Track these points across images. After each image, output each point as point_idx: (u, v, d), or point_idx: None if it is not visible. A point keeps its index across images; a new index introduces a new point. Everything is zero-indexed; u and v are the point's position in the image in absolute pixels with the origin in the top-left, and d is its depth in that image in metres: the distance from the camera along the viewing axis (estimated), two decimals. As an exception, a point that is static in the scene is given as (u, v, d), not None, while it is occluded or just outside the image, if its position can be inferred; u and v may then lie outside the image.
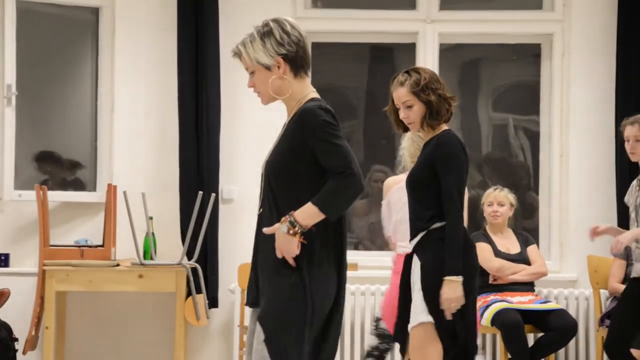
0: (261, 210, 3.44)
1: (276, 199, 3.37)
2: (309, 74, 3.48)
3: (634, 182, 5.38)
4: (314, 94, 3.45)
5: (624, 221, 5.79)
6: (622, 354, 5.30)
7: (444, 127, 4.14)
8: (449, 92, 4.17)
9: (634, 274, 5.31)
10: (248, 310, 6.23)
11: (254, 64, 3.41)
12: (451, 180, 4.00)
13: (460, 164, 4.04)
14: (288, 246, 3.29)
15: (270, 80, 3.40)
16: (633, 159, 5.34)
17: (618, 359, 5.32)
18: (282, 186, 3.36)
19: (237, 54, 3.45)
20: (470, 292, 4.02)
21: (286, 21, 3.42)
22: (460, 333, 4.01)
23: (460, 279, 3.94)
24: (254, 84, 3.45)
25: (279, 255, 3.32)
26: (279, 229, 3.29)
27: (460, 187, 4.04)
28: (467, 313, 4.02)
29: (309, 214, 3.28)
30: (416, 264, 4.09)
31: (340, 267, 3.42)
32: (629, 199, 5.40)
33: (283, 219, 3.29)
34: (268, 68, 3.39)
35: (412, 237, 4.13)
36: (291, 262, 3.31)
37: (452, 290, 3.94)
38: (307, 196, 3.31)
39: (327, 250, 3.38)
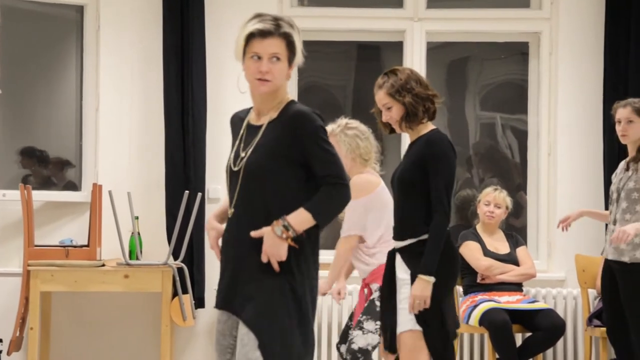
0: (233, 210, 3.37)
1: (260, 199, 3.31)
2: None
3: (622, 164, 5.37)
4: (290, 95, 3.42)
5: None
6: (622, 337, 5.34)
7: (430, 126, 4.16)
8: (431, 89, 4.18)
9: (605, 254, 5.35)
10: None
11: (290, 53, 3.31)
12: (441, 181, 4.02)
13: (451, 164, 4.06)
14: (278, 250, 3.25)
15: (285, 75, 3.34)
16: (624, 141, 5.36)
17: (619, 341, 5.37)
18: (267, 186, 3.31)
19: (286, 34, 3.29)
20: (446, 296, 4.07)
21: None
22: (443, 339, 4.05)
23: (432, 279, 3.98)
24: (270, 70, 3.30)
25: (264, 259, 3.27)
26: (272, 231, 3.25)
27: (449, 188, 4.05)
28: (447, 320, 4.06)
29: (302, 220, 3.26)
30: (401, 267, 4.11)
31: (317, 260, 3.43)
32: (614, 179, 5.42)
33: (275, 222, 3.25)
34: (290, 62, 3.34)
35: (399, 237, 4.13)
36: (276, 266, 3.27)
37: (422, 288, 3.98)
38: (292, 197, 3.28)
39: (313, 254, 3.38)
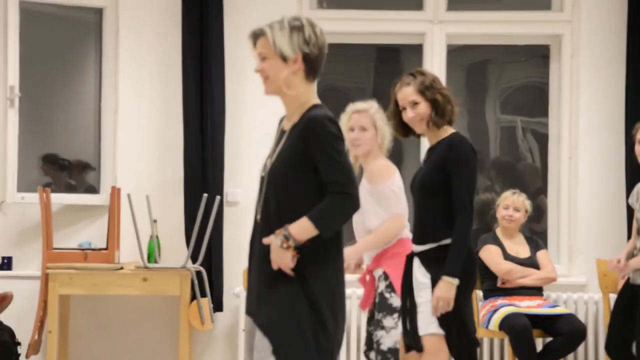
0: (259, 216, 3.39)
1: (276, 206, 3.32)
2: (316, 78, 3.45)
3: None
4: (317, 100, 3.42)
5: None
6: (621, 354, 5.35)
7: (451, 129, 4.16)
8: (452, 94, 4.22)
9: (632, 281, 5.33)
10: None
11: (273, 50, 3.35)
12: (464, 184, 4.03)
13: (473, 167, 4.06)
14: (282, 259, 3.26)
15: (284, 73, 3.35)
16: None
17: (620, 354, 5.37)
18: (283, 194, 3.32)
19: (258, 34, 3.38)
20: (466, 300, 4.08)
21: (317, 25, 3.43)
22: (465, 344, 4.06)
23: (456, 281, 3.99)
24: (262, 69, 3.38)
25: (275, 267, 3.29)
26: (273, 241, 3.27)
27: (472, 191, 4.05)
28: (468, 323, 4.07)
29: (304, 229, 3.25)
30: (420, 270, 4.11)
31: (340, 267, 3.40)
32: (633, 201, 5.39)
33: (277, 231, 3.27)
34: (285, 59, 3.35)
35: (419, 241, 4.12)
36: (289, 272, 3.28)
37: (447, 290, 3.99)
38: (307, 205, 3.28)
39: (335, 261, 3.36)
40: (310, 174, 3.29)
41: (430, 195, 4.10)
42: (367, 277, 4.89)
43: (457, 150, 4.06)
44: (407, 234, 4.78)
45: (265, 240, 3.30)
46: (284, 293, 3.28)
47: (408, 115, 4.17)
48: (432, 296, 4.04)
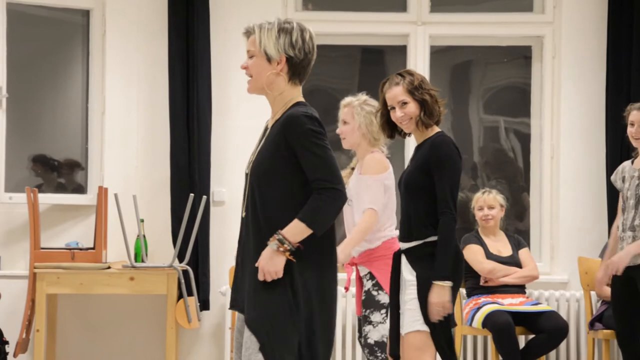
0: (244, 213, 3.43)
1: (261, 201, 3.35)
2: (302, 82, 3.49)
3: (628, 167, 5.35)
4: (300, 98, 3.46)
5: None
6: (633, 345, 5.34)
7: (436, 129, 4.19)
8: (439, 95, 4.25)
9: (632, 262, 5.31)
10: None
11: (259, 50, 3.40)
12: (446, 184, 4.04)
13: (456, 167, 4.08)
14: (275, 266, 3.28)
15: (267, 73, 3.40)
16: (636, 144, 5.32)
17: (630, 350, 5.36)
18: (266, 189, 3.35)
19: (249, 32, 3.44)
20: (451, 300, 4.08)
21: (307, 30, 3.45)
22: (449, 338, 4.07)
23: (449, 284, 3.99)
24: (247, 67, 3.44)
25: (261, 277, 3.30)
26: (269, 247, 3.29)
27: (455, 190, 4.07)
28: (450, 319, 4.07)
29: (297, 231, 3.29)
30: (406, 267, 4.13)
31: (331, 265, 3.42)
32: (616, 179, 5.38)
33: (271, 238, 3.29)
34: (269, 60, 3.40)
35: (405, 239, 4.15)
36: (278, 276, 3.30)
37: (441, 295, 3.98)
38: (290, 199, 3.31)
39: (324, 258, 3.39)
40: (292, 168, 3.32)
41: (415, 193, 4.11)
42: (354, 269, 4.92)
43: (440, 150, 4.08)
44: (393, 233, 4.82)
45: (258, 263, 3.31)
46: (270, 290, 3.30)
47: (397, 114, 4.18)
48: (416, 295, 4.06)
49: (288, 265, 3.31)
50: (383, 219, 4.81)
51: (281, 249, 3.27)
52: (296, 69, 3.42)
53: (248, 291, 3.36)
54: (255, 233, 3.36)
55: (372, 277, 4.76)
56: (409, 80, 4.17)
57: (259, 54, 3.40)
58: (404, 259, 4.15)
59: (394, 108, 4.18)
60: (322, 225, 3.32)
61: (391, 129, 4.28)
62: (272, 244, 3.28)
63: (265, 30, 3.40)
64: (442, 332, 4.04)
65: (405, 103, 4.15)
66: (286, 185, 3.34)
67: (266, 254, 3.29)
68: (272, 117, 3.50)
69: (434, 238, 4.06)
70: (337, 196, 3.31)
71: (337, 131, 4.96)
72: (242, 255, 3.46)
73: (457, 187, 4.10)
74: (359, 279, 4.90)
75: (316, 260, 3.37)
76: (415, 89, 4.14)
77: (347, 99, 4.98)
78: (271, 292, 3.30)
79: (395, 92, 4.17)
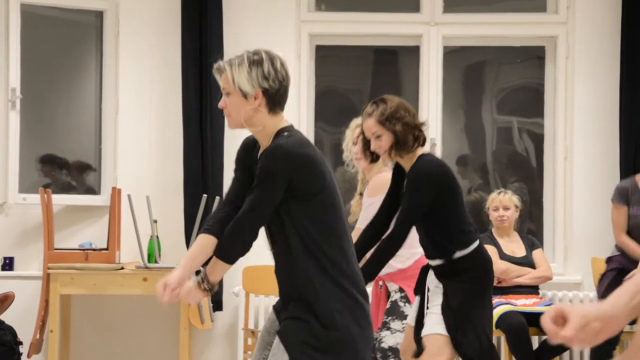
0: (274, 250, 3.39)
1: (274, 231, 3.34)
2: (284, 108, 3.40)
3: None
4: (283, 124, 3.37)
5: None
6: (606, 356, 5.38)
7: (420, 151, 4.14)
8: (417, 118, 4.17)
9: None
10: (253, 313, 6.24)
11: (234, 87, 3.33)
12: (406, 205, 4.03)
13: (424, 189, 4.02)
14: (191, 299, 3.33)
15: (244, 110, 3.33)
16: None
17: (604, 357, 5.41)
18: (275, 225, 3.33)
19: (220, 70, 3.37)
20: (482, 304, 4.07)
21: (277, 57, 3.36)
22: (478, 346, 4.03)
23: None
24: (225, 105, 3.37)
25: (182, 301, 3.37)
26: (190, 280, 3.32)
27: (412, 213, 4.04)
28: (478, 325, 4.04)
29: (215, 268, 3.30)
30: (433, 280, 4.13)
31: (356, 281, 3.35)
32: (621, 197, 5.36)
33: (198, 273, 3.32)
34: (245, 96, 3.32)
35: (429, 257, 4.18)
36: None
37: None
38: (296, 228, 3.27)
39: (347, 274, 3.31)
40: (290, 198, 3.26)
41: (420, 219, 4.12)
42: (380, 285, 4.90)
43: (414, 174, 4.04)
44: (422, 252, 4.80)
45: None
46: (298, 310, 3.27)
47: (373, 146, 4.15)
48: (440, 307, 4.04)
49: (315, 291, 3.27)
50: (413, 235, 4.77)
51: (201, 287, 3.32)
52: (274, 99, 3.34)
53: (285, 296, 3.35)
54: (281, 257, 3.37)
55: (401, 290, 4.75)
56: (381, 110, 4.10)
57: (234, 92, 3.33)
58: (431, 273, 4.16)
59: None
60: (235, 254, 3.30)
61: (373, 155, 4.27)
62: (193, 279, 3.32)
63: (235, 66, 3.32)
64: (466, 337, 4.00)
65: (378, 136, 4.11)
66: (285, 214, 3.30)
67: (185, 286, 3.33)
68: (261, 148, 3.43)
69: (458, 254, 4.06)
70: (244, 222, 3.27)
71: (353, 152, 4.85)
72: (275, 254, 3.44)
73: (417, 209, 4.04)
74: (384, 296, 4.87)
75: (346, 282, 3.30)
76: (387, 120, 4.08)
77: (358, 120, 4.89)
78: (300, 313, 3.27)
79: (368, 124, 4.14)
